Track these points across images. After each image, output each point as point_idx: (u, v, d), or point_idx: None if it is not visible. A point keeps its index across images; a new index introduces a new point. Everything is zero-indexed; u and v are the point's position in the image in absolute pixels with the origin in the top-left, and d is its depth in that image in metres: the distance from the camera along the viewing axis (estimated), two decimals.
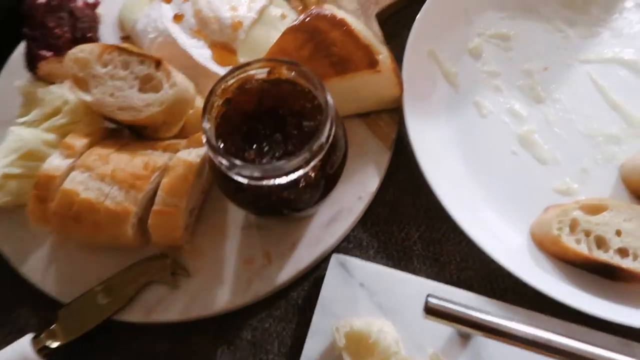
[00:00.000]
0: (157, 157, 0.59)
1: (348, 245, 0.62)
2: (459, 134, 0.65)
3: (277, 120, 0.52)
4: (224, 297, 0.59)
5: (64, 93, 0.67)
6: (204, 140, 0.48)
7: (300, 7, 0.76)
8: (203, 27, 0.70)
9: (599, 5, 0.71)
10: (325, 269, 0.61)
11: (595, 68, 0.67)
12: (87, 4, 0.74)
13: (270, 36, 0.71)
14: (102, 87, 0.60)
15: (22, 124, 0.66)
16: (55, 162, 0.58)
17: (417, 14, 0.70)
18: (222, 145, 0.49)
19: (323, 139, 0.47)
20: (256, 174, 0.47)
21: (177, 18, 0.71)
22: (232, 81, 0.51)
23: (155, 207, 0.56)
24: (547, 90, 0.67)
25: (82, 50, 0.61)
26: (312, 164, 0.48)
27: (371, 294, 0.57)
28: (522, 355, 0.53)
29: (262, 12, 0.71)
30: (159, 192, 0.56)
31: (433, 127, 0.64)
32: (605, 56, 0.68)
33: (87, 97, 0.60)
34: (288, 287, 0.61)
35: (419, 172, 0.64)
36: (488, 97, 0.67)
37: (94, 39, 0.71)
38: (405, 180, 0.65)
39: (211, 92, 0.50)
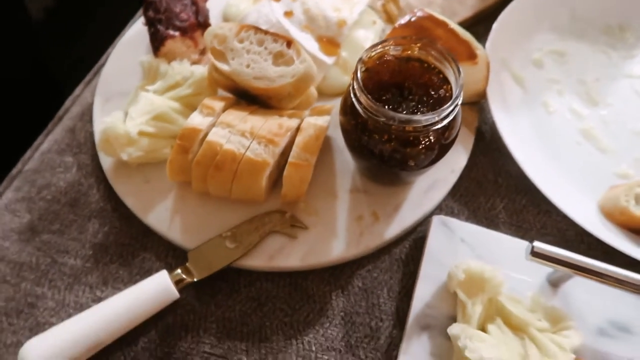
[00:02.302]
0: (287, 121, 0.67)
1: (441, 212, 0.71)
2: (531, 127, 0.77)
3: (406, 91, 0.61)
4: (338, 248, 0.66)
5: (184, 69, 0.75)
6: (356, 93, 0.58)
7: (385, 17, 0.88)
8: (311, 23, 0.80)
9: (633, 33, 0.86)
10: (422, 232, 0.70)
11: (637, 81, 0.81)
12: None
13: (366, 37, 0.82)
14: (239, 59, 0.69)
15: (151, 91, 0.74)
16: (197, 119, 0.66)
17: (484, 31, 0.83)
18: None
19: (456, 102, 0.57)
20: (401, 119, 0.56)
21: (288, 14, 0.81)
22: (373, 53, 0.61)
23: (291, 160, 0.64)
24: (600, 96, 0.80)
25: (222, 28, 0.70)
26: (444, 123, 0.58)
27: (471, 247, 0.65)
28: (604, 299, 0.62)
29: (361, 15, 0.82)
30: (294, 148, 0.64)
31: (511, 119, 0.76)
32: None
33: (225, 67, 0.69)
34: (391, 244, 0.68)
35: (499, 155, 0.75)
36: (552, 98, 0.80)
37: (211, 25, 0.81)
38: (486, 161, 0.75)
39: (360, 60, 0.60)
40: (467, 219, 0.70)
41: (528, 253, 0.58)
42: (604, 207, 0.69)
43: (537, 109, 0.79)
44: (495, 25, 0.82)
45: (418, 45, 0.62)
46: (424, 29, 0.72)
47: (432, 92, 0.61)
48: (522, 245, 0.66)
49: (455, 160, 0.73)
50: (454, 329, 0.56)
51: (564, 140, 0.76)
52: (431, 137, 0.60)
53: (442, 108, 0.56)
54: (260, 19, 0.81)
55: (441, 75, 0.62)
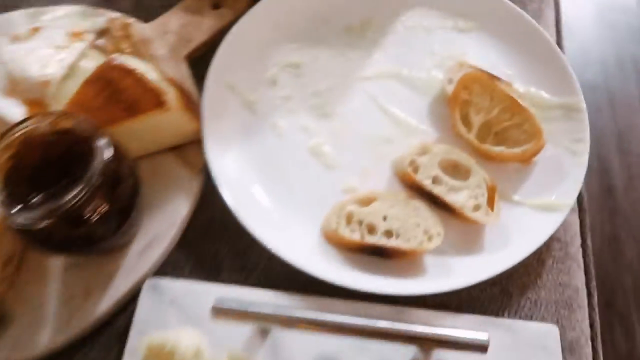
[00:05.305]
0: None
1: (167, 268, 0.68)
2: (258, 155, 0.73)
3: (65, 168, 0.57)
4: (46, 337, 0.62)
5: None
6: None
7: None
8: (15, 86, 0.75)
9: (373, 30, 0.84)
10: None
11: (371, 83, 0.79)
12: None
13: None
14: None
15: None
16: None
17: None
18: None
19: (92, 173, 0.54)
20: (34, 215, 0.52)
21: None
22: (12, 138, 0.57)
23: None
24: (331, 106, 0.77)
25: None
26: (84, 197, 0.54)
27: (182, 309, 0.62)
28: (314, 343, 0.61)
29: (72, 67, 0.77)
30: None
31: (233, 153, 0.72)
32: (378, 72, 0.80)
33: None
34: (112, 317, 0.65)
35: None
36: (284, 119, 0.76)
37: None
38: (217, 201, 0.72)
39: None
40: (191, 272, 0.68)
41: (212, 315, 0.56)
42: (324, 231, 0.67)
43: (266, 134, 0.75)
44: (220, 48, 0.78)
45: (61, 118, 0.57)
46: (111, 81, 0.68)
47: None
48: (237, 292, 0.63)
49: (175, 211, 0.69)
50: None
51: (292, 162, 0.73)
52: (98, 207, 0.57)
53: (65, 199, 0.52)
54: None
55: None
